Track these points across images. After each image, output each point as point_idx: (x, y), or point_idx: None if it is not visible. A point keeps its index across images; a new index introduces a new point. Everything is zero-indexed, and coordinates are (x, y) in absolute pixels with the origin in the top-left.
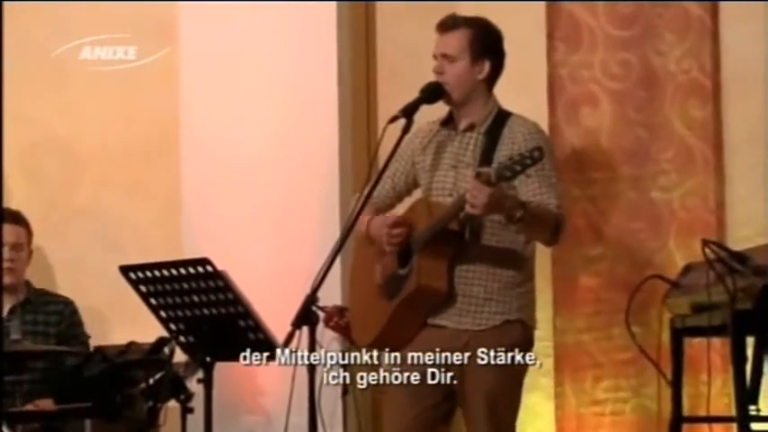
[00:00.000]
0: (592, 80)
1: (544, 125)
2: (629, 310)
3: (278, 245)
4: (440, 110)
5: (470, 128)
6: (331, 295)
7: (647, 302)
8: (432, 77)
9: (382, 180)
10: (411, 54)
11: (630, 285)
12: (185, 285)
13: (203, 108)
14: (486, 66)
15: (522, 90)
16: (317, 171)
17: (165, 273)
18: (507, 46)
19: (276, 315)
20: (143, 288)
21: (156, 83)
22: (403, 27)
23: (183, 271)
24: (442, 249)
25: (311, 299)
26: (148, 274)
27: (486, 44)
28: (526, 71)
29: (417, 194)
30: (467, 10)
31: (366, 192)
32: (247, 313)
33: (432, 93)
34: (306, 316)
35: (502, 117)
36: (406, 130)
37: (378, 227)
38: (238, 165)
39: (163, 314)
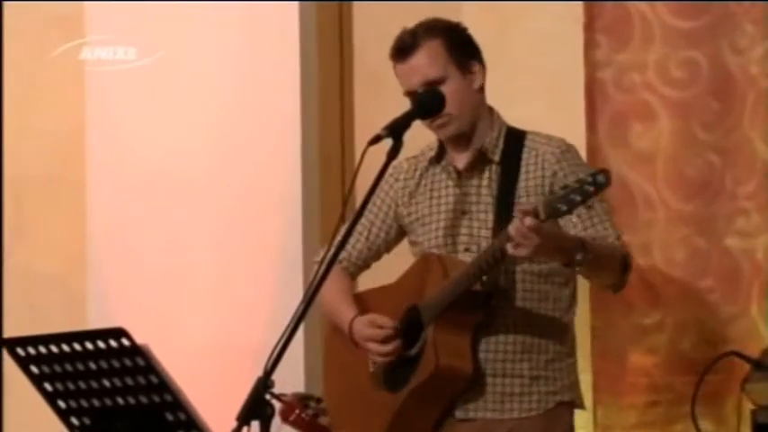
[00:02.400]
0: (645, 87)
1: (581, 147)
2: (697, 399)
3: (219, 310)
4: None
5: (479, 159)
6: (291, 379)
7: (720, 389)
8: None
9: (354, 236)
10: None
11: (698, 366)
12: (92, 365)
13: (115, 125)
14: (477, 68)
15: (549, 101)
16: (272, 205)
17: (66, 348)
18: (529, 40)
19: (216, 406)
20: (34, 369)
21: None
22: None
23: (89, 345)
24: (462, 318)
25: (264, 384)
26: (42, 349)
27: (464, 42)
28: (555, 75)
29: (401, 250)
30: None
31: (337, 241)
32: (177, 403)
33: (428, 104)
34: (256, 407)
35: (515, 137)
36: (392, 154)
37: (362, 332)
38: (167, 199)
39: (61, 404)
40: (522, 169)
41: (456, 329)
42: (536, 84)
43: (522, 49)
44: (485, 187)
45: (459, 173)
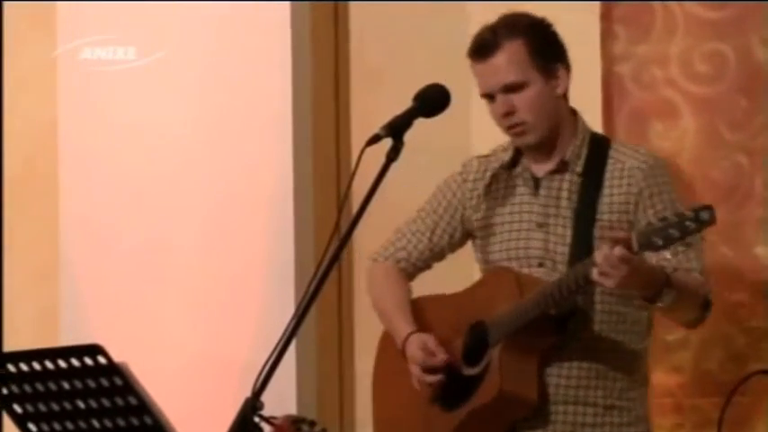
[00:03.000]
0: (667, 82)
1: None
2: (723, 421)
3: (204, 325)
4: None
5: (560, 168)
6: (282, 400)
7: (749, 411)
8: (422, 76)
9: (411, 237)
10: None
11: (725, 386)
12: (66, 385)
13: (90, 124)
14: (562, 72)
15: None
16: (262, 210)
17: (36, 366)
18: None
19: (201, 429)
20: (2, 389)
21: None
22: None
23: (62, 363)
24: (532, 341)
25: (252, 406)
26: (11, 368)
27: (549, 44)
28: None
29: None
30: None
31: (332, 252)
32: (158, 426)
33: (431, 101)
34: (245, 430)
35: (600, 146)
36: (392, 156)
37: (412, 352)
38: (147, 203)
39: (32, 428)
40: (606, 183)
41: (524, 353)
42: None
43: None
44: (564, 199)
45: (536, 181)
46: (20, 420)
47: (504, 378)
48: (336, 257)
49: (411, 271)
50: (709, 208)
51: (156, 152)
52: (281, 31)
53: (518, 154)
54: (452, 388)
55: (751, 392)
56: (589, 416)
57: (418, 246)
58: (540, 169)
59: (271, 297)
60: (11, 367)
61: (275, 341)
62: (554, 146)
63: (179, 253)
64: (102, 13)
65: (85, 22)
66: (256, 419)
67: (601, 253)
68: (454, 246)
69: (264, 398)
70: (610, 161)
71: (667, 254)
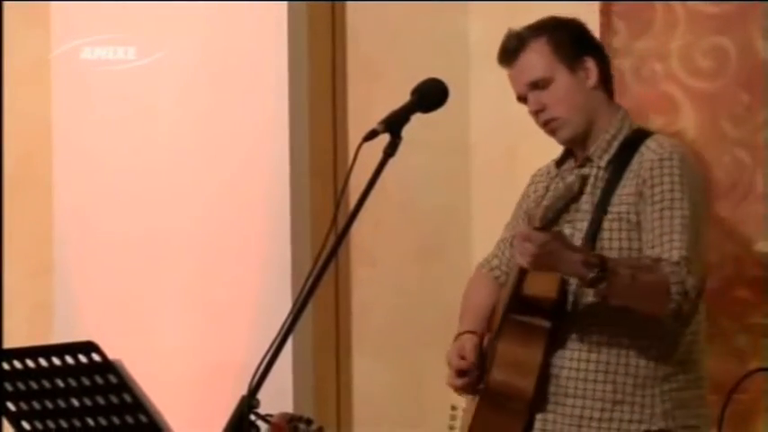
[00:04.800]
0: (668, 77)
1: None
2: (724, 420)
3: (200, 321)
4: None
5: (583, 163)
6: (278, 398)
7: (750, 409)
8: (420, 70)
9: (500, 244)
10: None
11: (725, 384)
12: (60, 382)
13: (85, 123)
14: (591, 64)
15: None
16: (258, 207)
17: (30, 363)
18: None
19: (196, 427)
20: None
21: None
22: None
23: (56, 361)
24: (532, 330)
25: (248, 404)
26: (3, 365)
27: (574, 38)
28: None
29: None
30: None
31: (329, 248)
32: (153, 424)
33: (428, 96)
34: (240, 429)
35: (634, 140)
36: (389, 151)
37: (449, 355)
38: (141, 201)
39: (26, 426)
40: (625, 176)
41: (525, 345)
42: None
43: None
44: (587, 194)
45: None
46: (13, 418)
47: (494, 368)
48: (333, 254)
49: (501, 277)
50: (582, 178)
51: (150, 148)
52: (278, 29)
53: (567, 152)
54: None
55: (751, 390)
56: (596, 410)
57: (505, 252)
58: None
59: (267, 293)
60: (4, 365)
61: (272, 338)
62: (589, 139)
63: (174, 249)
64: (96, 13)
65: (79, 20)
66: (252, 417)
67: (517, 231)
68: None
69: (261, 395)
70: (636, 155)
71: (649, 240)
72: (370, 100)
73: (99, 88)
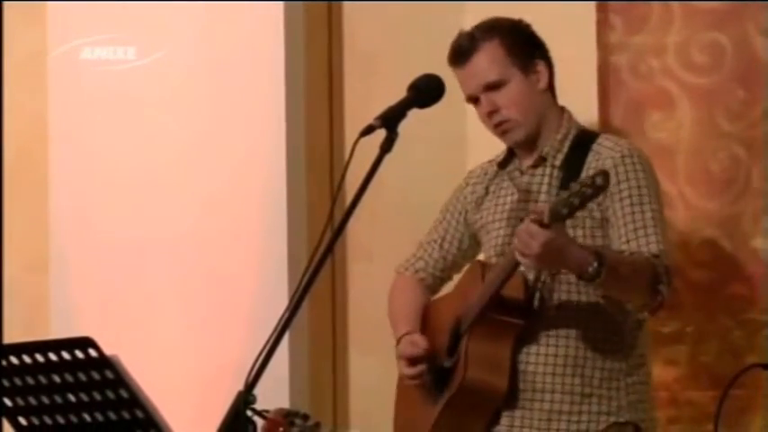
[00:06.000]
0: (663, 72)
1: None
2: (720, 415)
3: (196, 317)
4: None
5: (538, 163)
6: (275, 393)
7: (746, 405)
8: (416, 67)
9: (426, 247)
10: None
11: (721, 380)
12: (56, 378)
13: (80, 121)
14: (542, 66)
15: (558, 88)
16: (255, 203)
17: (27, 359)
18: (536, 22)
19: (193, 423)
20: None
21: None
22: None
23: (53, 356)
24: (502, 328)
25: (245, 399)
26: (1, 361)
27: (525, 40)
28: (564, 60)
29: None
30: None
31: (326, 244)
32: (150, 420)
33: (426, 92)
34: (237, 425)
35: (584, 140)
36: (385, 147)
37: (401, 350)
38: (138, 197)
39: (23, 422)
40: (582, 174)
41: (495, 341)
42: None
43: None
44: (544, 193)
45: (523, 175)
46: (10, 414)
47: (468, 367)
48: (330, 250)
49: (431, 281)
50: (604, 173)
51: (147, 146)
52: (275, 28)
53: (511, 153)
54: (437, 384)
55: (748, 386)
56: (566, 404)
57: (433, 254)
58: (525, 165)
59: (263, 289)
60: (1, 360)
61: (268, 334)
62: (538, 141)
63: (171, 245)
64: (93, 12)
65: (76, 20)
66: (249, 413)
67: (520, 229)
68: (465, 253)
69: (257, 391)
70: (590, 154)
71: (623, 234)
72: (367, 96)
73: (97, 87)
